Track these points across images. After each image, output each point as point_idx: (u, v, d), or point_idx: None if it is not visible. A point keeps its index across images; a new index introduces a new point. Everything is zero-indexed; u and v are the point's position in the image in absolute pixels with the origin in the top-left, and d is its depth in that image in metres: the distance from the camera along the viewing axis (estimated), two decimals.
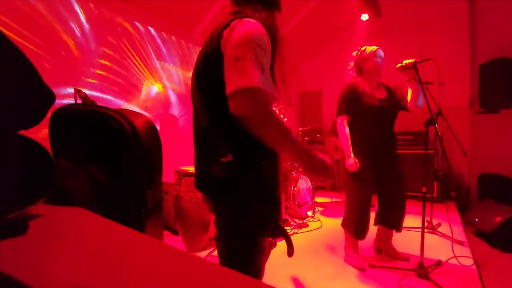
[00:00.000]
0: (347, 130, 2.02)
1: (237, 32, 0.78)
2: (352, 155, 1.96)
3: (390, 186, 2.07)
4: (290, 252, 0.92)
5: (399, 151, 2.18)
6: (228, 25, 0.81)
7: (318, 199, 4.27)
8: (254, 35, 0.78)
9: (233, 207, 0.88)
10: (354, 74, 2.14)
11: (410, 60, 1.90)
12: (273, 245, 1.00)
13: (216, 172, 0.85)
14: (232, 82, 0.74)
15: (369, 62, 2.04)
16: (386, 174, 2.05)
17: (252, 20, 0.81)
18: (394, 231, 2.18)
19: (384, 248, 2.28)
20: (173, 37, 3.74)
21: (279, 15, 0.97)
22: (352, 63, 2.18)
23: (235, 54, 0.75)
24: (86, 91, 2.24)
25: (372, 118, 2.01)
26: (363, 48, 2.12)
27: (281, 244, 0.95)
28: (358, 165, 1.95)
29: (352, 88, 2.06)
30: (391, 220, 2.12)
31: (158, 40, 3.55)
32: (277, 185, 0.91)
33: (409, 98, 2.02)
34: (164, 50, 3.62)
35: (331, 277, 1.95)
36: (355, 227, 2.07)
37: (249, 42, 0.76)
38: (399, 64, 1.95)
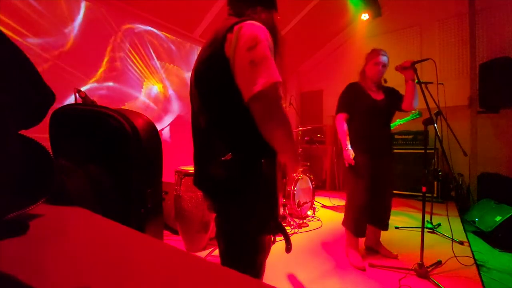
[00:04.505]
0: (345, 125, 2.14)
1: (245, 36, 0.77)
2: (348, 148, 2.08)
3: (381, 186, 2.12)
4: (288, 248, 0.92)
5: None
6: (231, 28, 0.80)
7: (318, 199, 4.28)
8: (262, 37, 0.78)
9: (233, 206, 0.88)
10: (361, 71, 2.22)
11: (409, 60, 1.92)
12: (273, 242, 1.01)
13: (216, 171, 0.86)
14: (253, 85, 0.75)
15: (368, 66, 2.13)
16: (381, 173, 2.09)
17: (256, 23, 0.82)
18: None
19: (373, 246, 2.32)
20: (173, 37, 3.74)
21: (277, 16, 0.98)
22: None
23: (249, 58, 0.75)
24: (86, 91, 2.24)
25: (368, 118, 2.09)
26: (374, 49, 2.16)
27: (282, 243, 0.95)
28: (353, 155, 2.06)
29: (351, 88, 2.18)
30: (379, 220, 2.20)
31: (158, 41, 3.55)
32: (275, 183, 0.91)
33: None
34: (164, 50, 3.62)
35: (331, 276, 1.95)
36: (355, 225, 2.12)
37: (259, 43, 0.76)
38: (398, 65, 1.97)
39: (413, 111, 2.44)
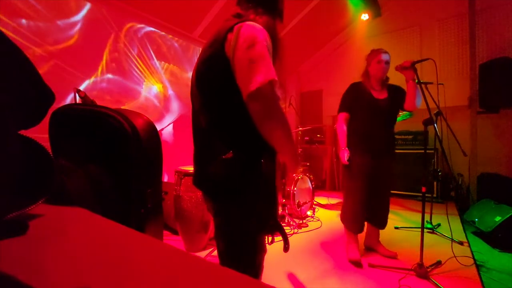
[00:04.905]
0: (344, 125, 2.17)
1: (244, 35, 0.79)
2: (344, 148, 2.12)
3: (380, 185, 2.13)
4: (286, 247, 0.93)
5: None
6: (231, 28, 0.82)
7: (318, 199, 4.27)
8: (261, 37, 0.80)
9: (233, 206, 0.89)
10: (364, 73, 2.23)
11: (409, 60, 1.92)
12: (271, 242, 1.01)
13: (217, 170, 0.86)
14: (251, 83, 0.75)
15: (371, 66, 2.13)
16: (380, 173, 2.10)
17: (256, 24, 0.83)
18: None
19: (373, 246, 2.33)
20: (173, 37, 3.74)
21: (279, 21, 0.99)
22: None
23: (248, 57, 0.77)
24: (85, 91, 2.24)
25: (369, 117, 2.09)
26: (373, 49, 2.18)
27: (281, 243, 0.95)
28: (348, 156, 2.10)
29: (353, 88, 2.19)
30: (377, 219, 2.21)
31: (159, 40, 3.55)
32: (274, 182, 0.91)
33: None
34: (164, 50, 3.62)
35: (331, 276, 1.95)
36: (351, 222, 2.15)
37: (258, 43, 0.78)
38: (398, 64, 1.97)
39: (403, 112, 2.45)
